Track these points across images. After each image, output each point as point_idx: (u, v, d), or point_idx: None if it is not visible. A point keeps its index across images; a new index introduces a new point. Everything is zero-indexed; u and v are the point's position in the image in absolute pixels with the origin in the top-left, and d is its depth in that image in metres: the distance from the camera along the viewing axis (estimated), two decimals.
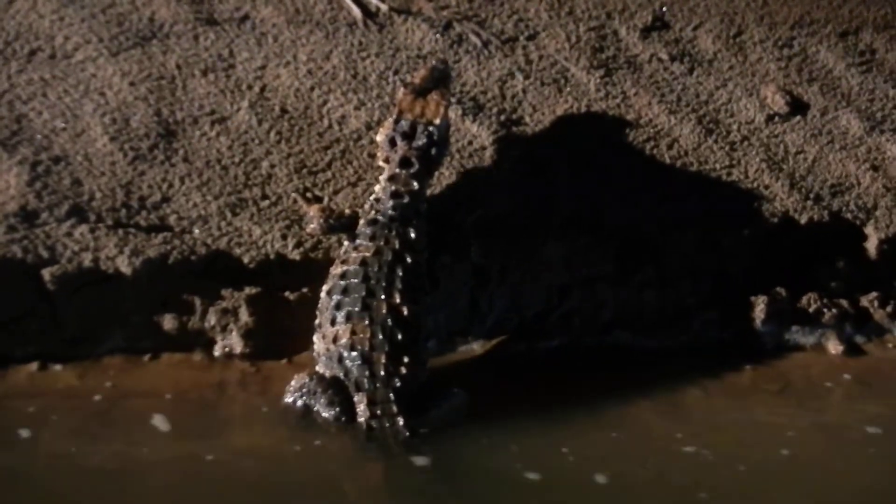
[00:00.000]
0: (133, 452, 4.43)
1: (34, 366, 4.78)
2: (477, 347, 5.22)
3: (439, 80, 5.37)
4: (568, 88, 6.21)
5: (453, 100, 5.83)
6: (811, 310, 5.52)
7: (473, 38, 6.38)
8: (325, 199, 5.35)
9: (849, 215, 5.86)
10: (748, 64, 6.65)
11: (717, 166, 5.93)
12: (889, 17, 7.27)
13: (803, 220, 5.74)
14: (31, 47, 5.79)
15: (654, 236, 5.50)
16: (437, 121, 5.21)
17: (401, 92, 5.33)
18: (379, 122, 5.47)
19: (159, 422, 4.58)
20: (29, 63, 5.72)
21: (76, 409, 4.63)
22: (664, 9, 6.90)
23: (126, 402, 4.68)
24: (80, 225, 4.99)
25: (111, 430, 4.54)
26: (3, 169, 5.15)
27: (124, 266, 4.88)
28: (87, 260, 4.88)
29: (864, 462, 4.80)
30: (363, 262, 4.82)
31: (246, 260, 5.06)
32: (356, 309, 4.70)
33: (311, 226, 5.12)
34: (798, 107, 6.41)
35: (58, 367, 4.79)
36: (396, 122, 5.21)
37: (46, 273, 4.80)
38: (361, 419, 4.57)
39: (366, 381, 4.61)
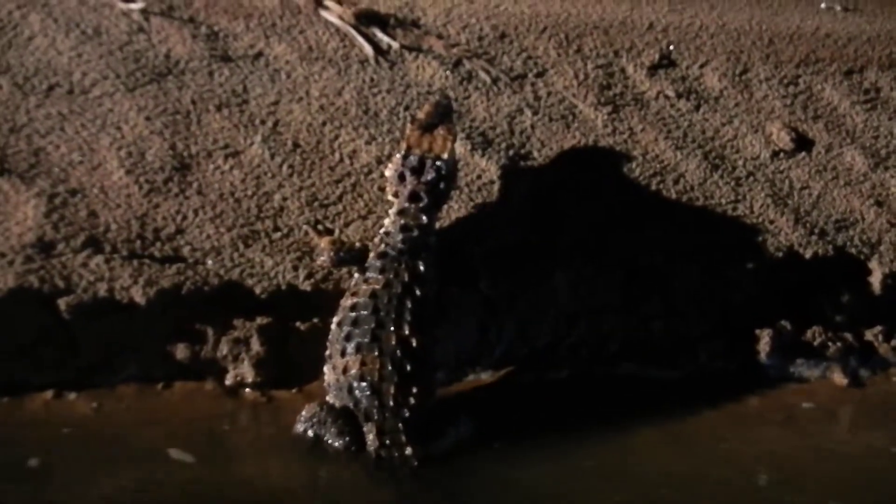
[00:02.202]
0: (146, 481, 4.49)
1: (49, 394, 4.84)
2: (486, 377, 5.28)
3: (444, 114, 5.47)
4: (576, 124, 6.30)
5: (462, 135, 5.93)
6: (816, 343, 5.58)
7: (483, 75, 6.48)
8: (336, 232, 5.43)
9: (853, 250, 5.92)
10: (754, 101, 6.74)
11: (723, 201, 6.01)
12: (894, 56, 7.37)
13: (808, 254, 5.81)
14: (50, 82, 5.89)
15: (661, 268, 5.56)
16: (445, 155, 5.30)
17: (408, 128, 5.43)
18: (389, 157, 5.54)
19: (172, 451, 4.63)
20: (47, 98, 5.82)
21: (90, 437, 4.68)
22: (671, 47, 7.00)
23: (139, 431, 4.73)
24: (95, 255, 5.08)
25: (125, 459, 4.59)
26: (20, 201, 5.24)
27: (139, 296, 4.96)
28: (102, 290, 4.96)
29: (870, 489, 4.83)
30: (373, 295, 4.90)
31: (258, 291, 5.14)
32: (366, 340, 4.78)
33: (322, 258, 5.20)
34: (803, 143, 6.49)
35: (72, 395, 4.86)
36: (405, 157, 5.30)
37: (62, 302, 4.88)
38: (371, 448, 4.63)
39: (375, 411, 4.67)
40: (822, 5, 7.91)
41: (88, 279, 4.99)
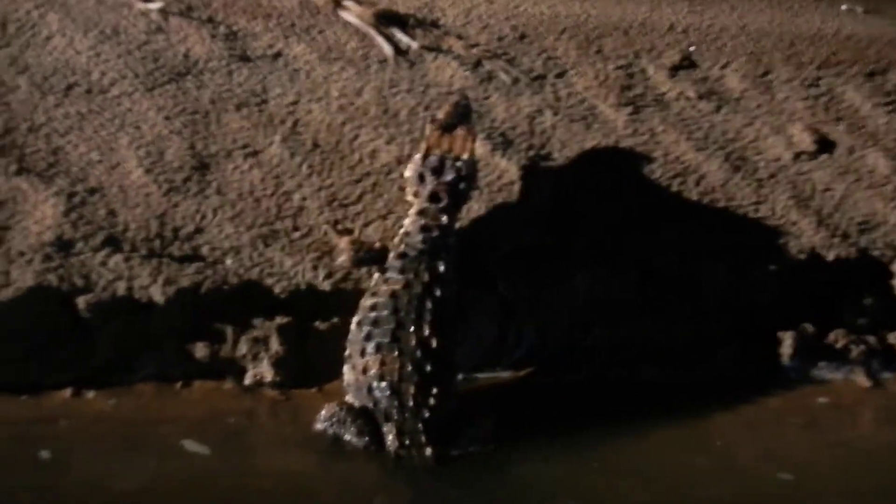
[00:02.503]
0: (164, 476, 4.49)
1: (68, 392, 4.83)
2: (504, 378, 5.24)
3: (463, 115, 5.45)
4: (596, 125, 6.27)
5: (482, 135, 5.90)
6: (838, 346, 5.53)
7: (503, 76, 6.45)
8: (356, 232, 5.41)
9: (876, 252, 5.86)
10: (775, 103, 6.70)
11: (745, 202, 5.96)
12: None
13: (830, 256, 5.76)
14: (69, 82, 5.91)
15: (681, 270, 5.52)
16: (465, 156, 5.29)
17: (428, 128, 5.41)
18: (409, 157, 5.51)
19: (191, 446, 4.63)
20: (66, 97, 5.83)
21: (108, 433, 4.68)
22: (692, 48, 6.96)
23: (158, 428, 4.73)
24: (114, 254, 5.07)
25: (143, 455, 4.59)
26: (39, 200, 5.24)
27: (157, 295, 4.95)
28: (121, 288, 4.96)
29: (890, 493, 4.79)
30: (393, 295, 4.87)
31: (277, 290, 5.12)
32: (386, 340, 4.75)
33: (341, 258, 5.19)
34: (825, 145, 6.44)
35: (91, 393, 4.85)
36: (425, 157, 5.29)
37: (81, 301, 4.88)
38: (390, 449, 4.61)
39: (395, 411, 4.65)
40: (843, 7, 7.87)
41: (107, 278, 4.98)
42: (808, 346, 5.50)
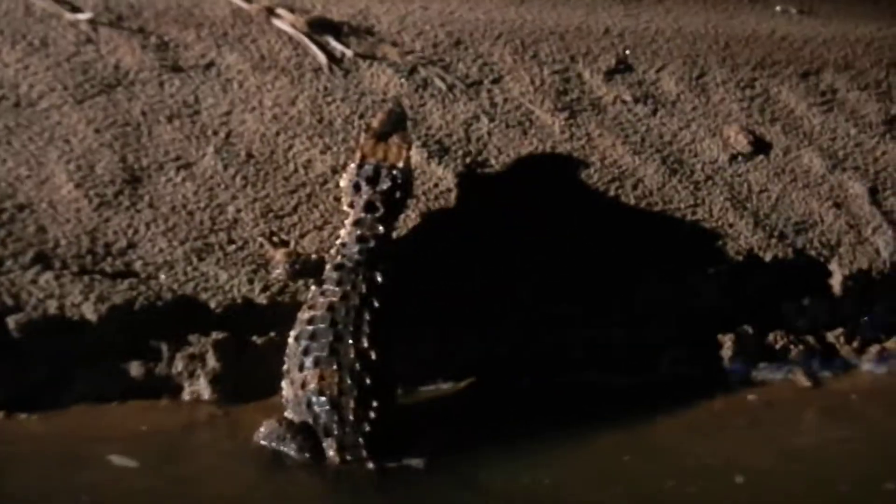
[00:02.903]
0: (98, 491, 4.38)
1: (0, 414, 4.72)
2: (447, 388, 5.20)
3: (398, 122, 5.40)
4: (533, 130, 6.25)
5: (418, 142, 5.86)
6: (778, 346, 5.57)
7: (438, 82, 6.41)
8: (292, 244, 5.34)
9: (813, 252, 5.91)
10: (711, 105, 6.72)
11: (682, 205, 5.97)
12: (850, 58, 7.39)
13: (768, 257, 5.79)
14: None
15: (621, 275, 5.52)
16: (401, 164, 5.23)
17: (362, 137, 5.35)
18: (345, 167, 5.45)
19: (125, 462, 4.54)
20: None
21: (41, 453, 4.58)
22: (627, 52, 6.97)
23: (92, 446, 4.62)
24: (44, 272, 4.95)
25: (76, 472, 4.49)
26: None
27: (90, 313, 4.85)
28: (52, 307, 4.84)
29: (834, 491, 4.81)
30: (330, 307, 4.81)
31: (213, 305, 5.04)
32: (324, 354, 4.68)
33: (277, 270, 5.12)
34: (761, 146, 6.48)
35: (23, 415, 4.74)
36: (360, 166, 5.22)
37: (11, 321, 4.76)
38: (332, 464, 4.54)
39: (335, 426, 4.58)
40: (778, 8, 7.92)
41: (38, 296, 4.87)
42: (749, 348, 5.53)
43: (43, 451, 4.61)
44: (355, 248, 5.00)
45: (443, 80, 6.44)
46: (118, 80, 6.02)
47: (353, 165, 5.25)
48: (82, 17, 6.30)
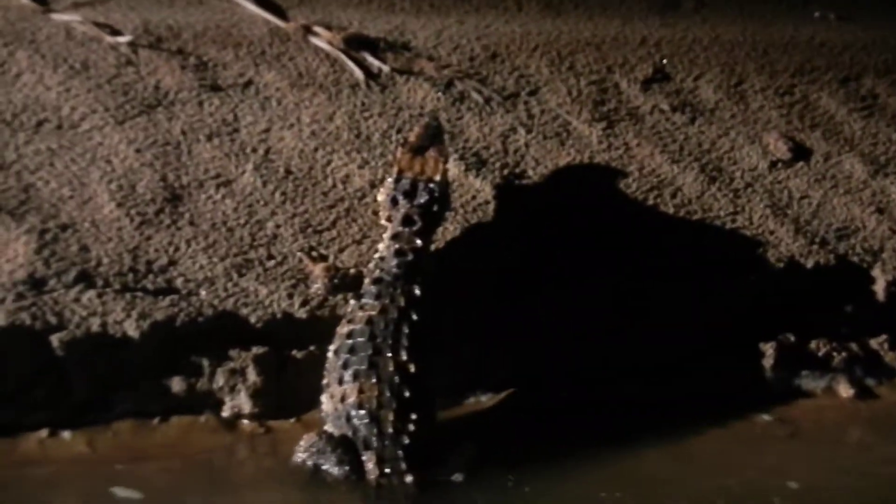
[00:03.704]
0: None
1: (44, 433, 4.76)
2: (485, 401, 5.20)
3: (434, 136, 5.41)
4: (570, 141, 6.25)
5: (455, 156, 5.88)
6: (820, 354, 5.51)
7: (475, 96, 6.43)
8: (331, 258, 5.37)
9: (855, 258, 5.86)
10: (750, 112, 6.70)
11: (722, 213, 5.95)
12: (890, 63, 7.36)
13: (809, 264, 5.75)
14: (38, 118, 5.85)
15: (658, 285, 5.50)
16: (438, 177, 5.24)
17: (399, 151, 5.38)
18: (382, 181, 5.48)
19: (170, 483, 4.57)
20: (36, 134, 5.77)
21: (86, 474, 4.61)
22: (664, 61, 6.95)
23: (135, 467, 4.66)
24: (87, 290, 5.01)
25: (118, 490, 4.53)
26: (11, 238, 5.18)
27: (132, 330, 4.90)
28: (95, 325, 4.89)
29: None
30: (369, 321, 4.83)
31: (253, 320, 5.07)
32: (363, 367, 4.70)
33: (317, 285, 5.15)
34: (801, 153, 6.45)
35: (67, 433, 4.79)
36: (397, 181, 5.25)
37: (55, 339, 4.81)
38: (371, 477, 4.56)
39: (374, 439, 4.60)
40: (816, 14, 7.87)
41: (81, 314, 4.92)
42: (790, 356, 5.48)
43: (86, 471, 4.65)
44: (393, 262, 5.02)
45: (479, 93, 6.46)
46: (158, 100, 6.09)
47: (390, 180, 5.28)
48: (122, 39, 6.39)
